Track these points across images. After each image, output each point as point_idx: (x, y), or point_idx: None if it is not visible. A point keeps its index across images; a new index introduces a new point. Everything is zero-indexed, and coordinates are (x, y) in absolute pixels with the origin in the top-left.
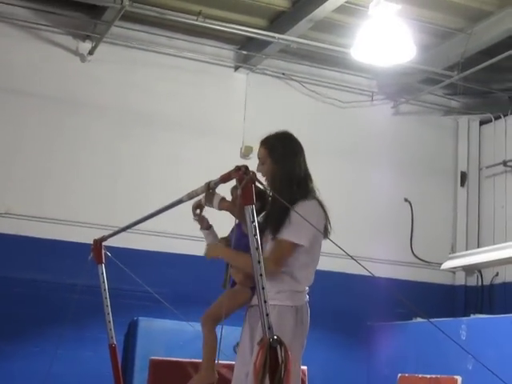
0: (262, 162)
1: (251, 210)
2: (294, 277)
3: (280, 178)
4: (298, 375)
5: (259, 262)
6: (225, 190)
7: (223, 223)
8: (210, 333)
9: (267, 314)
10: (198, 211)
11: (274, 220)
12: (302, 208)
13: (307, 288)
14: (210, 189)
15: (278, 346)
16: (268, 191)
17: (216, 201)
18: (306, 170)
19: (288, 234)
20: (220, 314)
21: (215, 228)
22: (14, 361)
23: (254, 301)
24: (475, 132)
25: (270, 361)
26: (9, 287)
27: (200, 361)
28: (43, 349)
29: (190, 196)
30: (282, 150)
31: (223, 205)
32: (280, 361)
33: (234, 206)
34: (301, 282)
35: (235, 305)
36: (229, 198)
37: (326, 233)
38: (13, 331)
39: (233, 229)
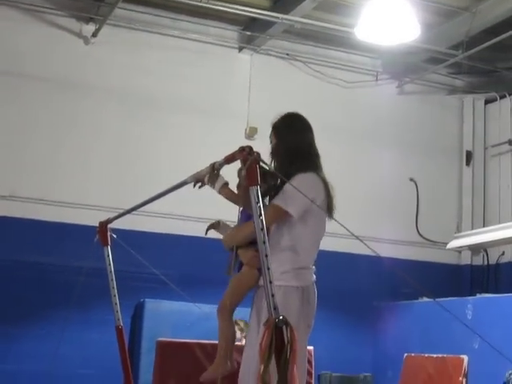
0: (270, 142)
1: (256, 190)
2: (295, 252)
3: (282, 153)
4: (304, 356)
5: (264, 242)
6: (229, 172)
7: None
8: (225, 322)
9: (273, 295)
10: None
11: (273, 195)
12: (298, 180)
13: (313, 267)
14: (214, 170)
15: (284, 327)
16: (270, 169)
17: (218, 184)
18: (312, 146)
19: (278, 200)
20: (235, 302)
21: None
22: (21, 343)
23: (261, 281)
24: (480, 111)
25: (275, 341)
26: (15, 270)
27: (207, 342)
28: (50, 331)
29: (195, 177)
30: (285, 126)
31: (224, 191)
32: (286, 341)
33: (237, 193)
34: (302, 256)
35: (245, 288)
36: (233, 180)
37: (329, 211)
38: (20, 314)
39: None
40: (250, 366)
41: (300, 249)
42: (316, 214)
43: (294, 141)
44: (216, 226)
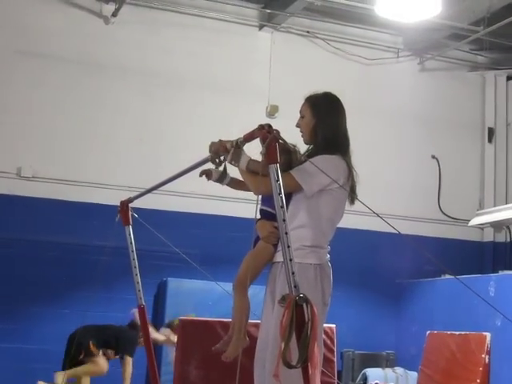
0: (302, 116)
1: (275, 168)
2: (310, 230)
3: (319, 133)
4: (320, 334)
5: (284, 220)
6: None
7: None
8: (241, 297)
9: (293, 273)
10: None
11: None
12: (321, 159)
13: (328, 247)
14: (237, 147)
15: (305, 304)
16: (292, 147)
17: (244, 160)
18: (345, 132)
19: (295, 172)
20: (250, 277)
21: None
22: (44, 322)
23: (275, 258)
24: (502, 87)
25: (296, 319)
26: (39, 250)
27: (229, 320)
28: (73, 310)
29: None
30: (324, 106)
31: (252, 165)
32: (306, 319)
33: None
34: (317, 235)
35: (260, 263)
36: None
37: (351, 197)
38: (43, 293)
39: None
40: (266, 343)
41: (315, 228)
42: (334, 196)
43: (333, 124)
44: (209, 173)
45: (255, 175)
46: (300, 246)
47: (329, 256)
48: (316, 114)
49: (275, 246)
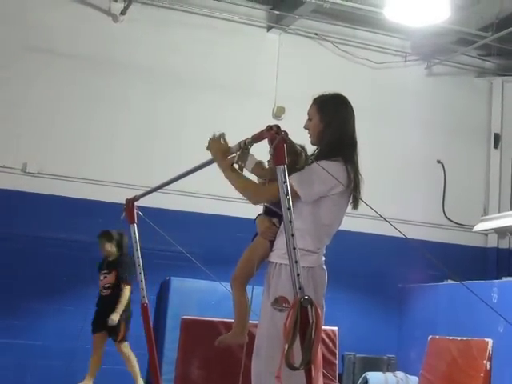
0: (309, 118)
1: (283, 169)
2: (303, 235)
3: (322, 137)
4: None
5: (290, 221)
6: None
7: None
8: (238, 292)
9: (298, 274)
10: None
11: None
12: (319, 166)
13: (323, 251)
14: (245, 148)
15: (309, 306)
16: (299, 149)
17: (251, 162)
18: (353, 136)
19: (293, 178)
20: (247, 273)
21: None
22: (47, 319)
23: (270, 257)
24: (509, 93)
25: (300, 321)
26: (42, 247)
27: (232, 320)
28: (76, 307)
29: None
30: (332, 111)
31: (257, 170)
32: (311, 321)
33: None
34: (310, 240)
35: (256, 258)
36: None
37: (355, 202)
38: (46, 290)
39: None
40: (262, 342)
41: (308, 233)
42: (333, 202)
43: (340, 129)
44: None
45: (254, 183)
46: None
47: (324, 258)
48: (323, 118)
49: (272, 242)
